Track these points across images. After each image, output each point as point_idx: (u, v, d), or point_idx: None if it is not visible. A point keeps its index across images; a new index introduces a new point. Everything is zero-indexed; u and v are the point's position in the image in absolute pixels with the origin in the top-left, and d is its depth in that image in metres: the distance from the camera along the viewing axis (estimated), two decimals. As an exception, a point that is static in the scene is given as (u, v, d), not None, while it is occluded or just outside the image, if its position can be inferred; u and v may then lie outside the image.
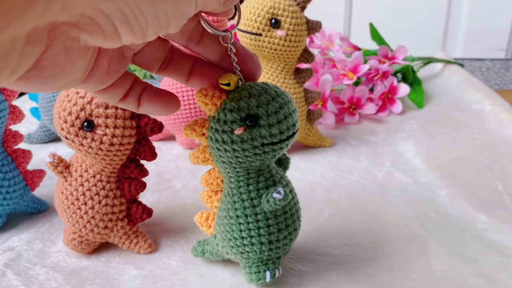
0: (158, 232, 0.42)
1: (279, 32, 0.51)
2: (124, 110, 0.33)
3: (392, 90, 0.70)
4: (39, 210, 0.46)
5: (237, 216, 0.33)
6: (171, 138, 0.62)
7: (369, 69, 0.70)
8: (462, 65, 0.90)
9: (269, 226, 0.32)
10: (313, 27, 0.53)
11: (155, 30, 0.19)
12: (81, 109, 0.32)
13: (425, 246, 0.40)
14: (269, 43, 0.51)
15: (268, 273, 0.34)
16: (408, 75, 0.75)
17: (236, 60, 0.28)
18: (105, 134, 0.32)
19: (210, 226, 0.35)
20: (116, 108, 0.33)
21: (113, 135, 0.33)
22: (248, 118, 0.29)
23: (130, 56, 0.25)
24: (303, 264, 0.38)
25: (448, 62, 0.89)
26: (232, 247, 0.34)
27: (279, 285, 0.36)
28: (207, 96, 0.29)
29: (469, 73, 0.83)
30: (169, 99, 0.28)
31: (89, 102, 0.32)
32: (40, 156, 0.57)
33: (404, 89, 0.70)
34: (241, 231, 0.33)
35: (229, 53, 0.28)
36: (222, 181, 0.33)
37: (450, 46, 1.20)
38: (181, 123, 0.57)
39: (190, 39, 0.26)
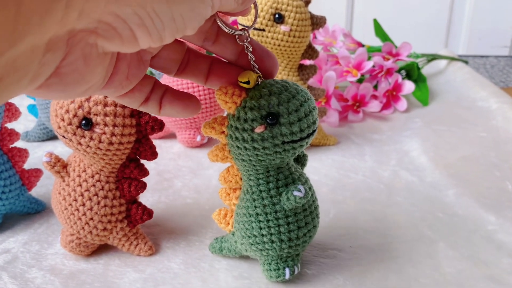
0: (159, 233, 0.41)
1: (283, 28, 0.49)
2: (124, 107, 0.32)
3: (397, 88, 0.69)
4: (36, 210, 0.44)
5: (257, 214, 0.33)
6: (172, 136, 0.61)
7: (373, 66, 0.69)
8: (466, 62, 0.88)
9: (289, 224, 0.33)
10: (317, 22, 0.52)
11: (172, 32, 0.19)
12: (79, 107, 0.31)
13: (433, 248, 0.39)
14: (272, 38, 0.50)
15: (287, 270, 0.34)
16: (413, 72, 0.73)
17: (254, 58, 0.28)
18: (104, 133, 0.31)
19: (229, 223, 0.36)
20: (116, 105, 0.31)
21: (112, 134, 0.31)
22: (269, 116, 0.29)
23: (148, 60, 0.24)
24: (308, 267, 0.37)
25: (452, 59, 0.88)
26: (252, 244, 0.34)
27: (284, 289, 0.35)
28: (227, 94, 0.29)
29: (474, 70, 0.82)
30: (190, 101, 0.27)
31: (87, 100, 0.31)
32: (38, 155, 0.56)
33: (409, 86, 0.68)
34: (261, 228, 0.33)
35: (246, 51, 0.27)
36: (241, 178, 0.34)
37: (453, 43, 1.19)
38: (181, 121, 0.56)
39: (206, 39, 0.26)
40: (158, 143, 0.59)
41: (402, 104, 0.68)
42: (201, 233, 0.41)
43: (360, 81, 0.70)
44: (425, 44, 1.09)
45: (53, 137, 0.61)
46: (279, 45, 0.50)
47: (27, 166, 0.46)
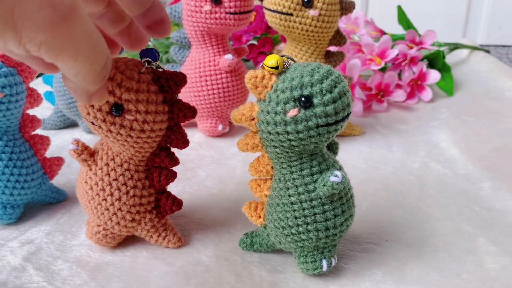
0: (186, 224, 0.40)
1: (312, 12, 0.47)
2: (157, 94, 0.30)
3: (422, 77, 0.67)
4: (57, 200, 0.43)
5: (291, 203, 0.31)
6: (192, 125, 0.59)
7: (397, 55, 0.67)
8: (488, 52, 0.86)
9: (325, 212, 0.31)
10: (346, 7, 0.49)
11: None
12: (110, 92, 0.29)
13: (473, 243, 0.37)
14: (300, 23, 0.48)
15: (324, 262, 0.33)
16: (437, 61, 0.71)
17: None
18: (136, 120, 0.29)
19: (260, 216, 0.34)
20: (148, 91, 0.29)
21: (144, 121, 0.30)
22: (302, 98, 0.28)
23: None
24: (344, 261, 0.35)
25: (474, 48, 0.86)
26: (287, 235, 0.32)
27: (320, 285, 0.33)
28: (257, 79, 0.29)
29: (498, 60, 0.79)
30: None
31: (119, 85, 0.29)
32: (55, 143, 0.55)
33: (434, 75, 0.66)
34: (296, 218, 0.31)
35: None
36: (272, 168, 0.32)
37: (472, 32, 1.16)
38: (204, 109, 0.54)
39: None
40: (178, 132, 0.57)
41: (427, 94, 0.66)
42: (230, 224, 0.40)
43: (382, 70, 0.68)
44: (442, 34, 1.06)
45: (71, 125, 0.60)
46: (306, 31, 0.48)
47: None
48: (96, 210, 0.34)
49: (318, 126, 0.28)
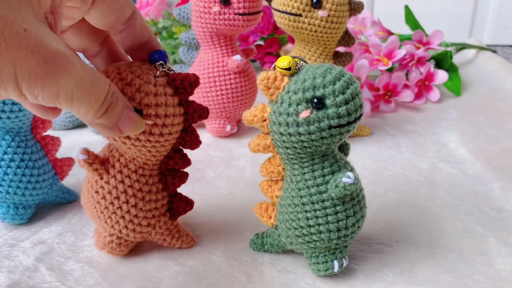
0: (197, 225, 0.40)
1: (321, 13, 0.47)
2: (173, 96, 0.30)
3: (429, 77, 0.67)
4: (68, 200, 0.43)
5: (303, 204, 0.31)
6: (200, 125, 0.59)
7: (404, 55, 0.67)
8: (495, 52, 0.86)
9: (337, 213, 0.31)
10: (355, 7, 0.49)
11: None
12: (129, 98, 0.29)
13: (484, 244, 0.37)
14: (309, 24, 0.48)
15: (336, 263, 0.33)
16: (444, 62, 0.71)
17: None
18: (155, 124, 0.29)
19: (271, 217, 0.34)
20: (165, 94, 0.29)
21: (163, 125, 0.29)
22: (315, 99, 0.28)
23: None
24: (355, 262, 0.35)
25: (481, 48, 0.85)
26: (298, 236, 0.32)
27: (332, 286, 0.33)
28: (270, 80, 0.29)
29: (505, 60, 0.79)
30: None
31: (138, 90, 0.28)
32: (65, 144, 0.55)
33: (442, 76, 0.66)
34: (307, 219, 0.31)
35: None
36: (283, 169, 0.32)
37: (478, 32, 1.16)
38: (212, 109, 0.55)
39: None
40: (186, 133, 0.58)
41: (435, 94, 0.66)
42: (240, 225, 0.40)
43: (389, 70, 0.68)
44: (448, 34, 1.06)
45: (79, 126, 0.60)
46: (315, 31, 0.48)
47: (57, 155, 0.45)
48: (110, 219, 0.33)
49: (330, 127, 0.28)
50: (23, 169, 0.38)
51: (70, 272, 0.35)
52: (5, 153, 0.38)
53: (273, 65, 0.30)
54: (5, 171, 0.38)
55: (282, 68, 0.29)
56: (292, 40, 0.73)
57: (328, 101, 0.28)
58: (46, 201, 0.42)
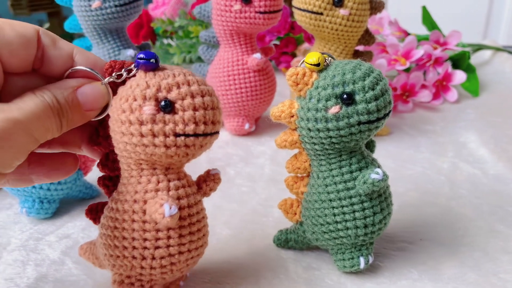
0: (220, 222, 0.40)
1: (342, 11, 0.47)
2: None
3: (447, 77, 0.66)
4: (91, 196, 0.44)
5: (330, 200, 0.31)
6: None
7: (422, 55, 0.66)
8: (511, 53, 0.85)
9: (365, 210, 0.31)
10: (376, 6, 0.49)
11: None
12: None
13: (508, 243, 0.37)
14: (330, 22, 0.48)
15: (362, 259, 0.33)
16: (462, 62, 0.71)
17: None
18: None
19: (295, 213, 0.34)
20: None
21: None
22: (344, 95, 0.28)
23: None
24: (380, 259, 0.35)
25: (498, 49, 0.85)
26: (325, 232, 0.32)
27: (357, 283, 0.33)
28: (298, 76, 0.29)
29: (522, 61, 0.78)
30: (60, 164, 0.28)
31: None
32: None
33: (460, 76, 0.66)
34: (334, 215, 0.31)
35: None
36: (310, 165, 0.32)
37: (492, 34, 1.15)
38: (230, 107, 0.55)
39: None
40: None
41: (453, 95, 0.66)
42: (262, 222, 0.40)
43: (406, 70, 0.68)
44: (463, 35, 1.05)
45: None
46: (336, 30, 0.48)
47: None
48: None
49: (359, 123, 0.28)
50: (49, 164, 0.38)
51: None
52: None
53: (301, 61, 0.30)
54: (32, 166, 0.38)
55: (311, 64, 0.29)
56: (308, 40, 0.73)
57: (357, 97, 0.28)
58: (70, 196, 0.42)
